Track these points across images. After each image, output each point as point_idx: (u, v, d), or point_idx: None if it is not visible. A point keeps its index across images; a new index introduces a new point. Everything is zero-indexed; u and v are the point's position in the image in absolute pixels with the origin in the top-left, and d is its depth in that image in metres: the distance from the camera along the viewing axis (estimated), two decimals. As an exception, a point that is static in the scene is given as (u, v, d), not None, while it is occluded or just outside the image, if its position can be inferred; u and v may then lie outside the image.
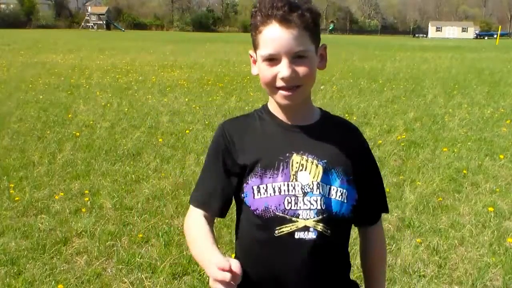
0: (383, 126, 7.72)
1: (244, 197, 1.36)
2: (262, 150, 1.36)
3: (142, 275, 3.22)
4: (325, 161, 1.35)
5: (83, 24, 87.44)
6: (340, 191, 1.36)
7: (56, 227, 3.90)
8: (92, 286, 3.12)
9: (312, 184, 1.33)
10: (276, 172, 1.33)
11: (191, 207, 1.44)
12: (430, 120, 8.27)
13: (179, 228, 3.91)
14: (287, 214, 1.32)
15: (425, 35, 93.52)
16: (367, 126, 7.72)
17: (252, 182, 1.34)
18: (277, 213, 1.32)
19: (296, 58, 1.29)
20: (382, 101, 10.13)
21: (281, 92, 1.32)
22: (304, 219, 1.32)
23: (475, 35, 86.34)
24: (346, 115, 8.51)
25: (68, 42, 33.14)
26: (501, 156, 6.06)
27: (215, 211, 1.41)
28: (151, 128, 7.35)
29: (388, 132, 7.38)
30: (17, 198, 4.42)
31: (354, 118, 8.31)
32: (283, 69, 1.28)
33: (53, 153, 5.91)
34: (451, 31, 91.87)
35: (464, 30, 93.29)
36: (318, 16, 1.36)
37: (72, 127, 7.35)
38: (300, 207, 1.32)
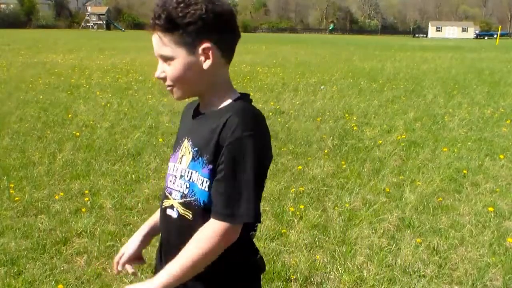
0: (383, 126, 7.72)
1: None
2: (179, 132, 1.56)
3: (142, 275, 3.22)
4: (196, 149, 1.43)
5: (83, 24, 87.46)
6: (201, 179, 1.40)
7: (56, 227, 3.90)
8: (92, 286, 3.12)
9: (186, 169, 1.45)
10: (174, 153, 1.51)
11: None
12: (430, 120, 8.27)
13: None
14: (166, 191, 1.52)
15: (425, 35, 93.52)
16: (367, 126, 7.72)
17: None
18: (164, 189, 1.54)
19: (166, 60, 1.42)
20: (382, 101, 10.13)
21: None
22: (174, 199, 1.48)
23: (475, 35, 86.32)
24: (346, 115, 8.52)
25: (68, 42, 33.14)
26: (501, 156, 6.06)
27: None
28: (151, 128, 7.35)
29: (388, 132, 7.38)
30: (17, 198, 4.42)
31: (354, 118, 8.31)
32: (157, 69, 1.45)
33: (53, 153, 5.91)
34: (451, 31, 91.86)
35: (464, 30, 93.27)
36: (183, 22, 1.34)
37: (72, 127, 7.35)
38: (174, 188, 1.48)
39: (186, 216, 1.44)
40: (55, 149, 6.10)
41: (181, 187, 1.45)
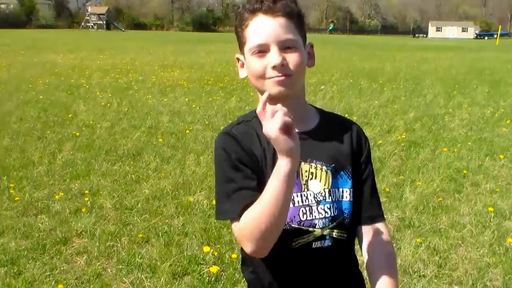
0: (383, 126, 7.72)
1: None
2: (267, 160, 1.31)
3: (142, 275, 3.22)
4: (333, 165, 1.34)
5: (83, 24, 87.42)
6: (347, 191, 1.36)
7: (56, 227, 3.90)
8: (92, 286, 3.12)
9: (324, 191, 1.33)
10: None
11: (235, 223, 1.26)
12: (430, 120, 8.27)
13: (179, 228, 3.92)
14: (303, 226, 1.30)
15: (425, 35, 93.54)
16: (367, 126, 7.71)
17: None
18: (293, 225, 1.30)
19: (285, 48, 1.27)
20: (382, 101, 10.13)
21: (273, 80, 1.28)
22: (320, 228, 1.31)
23: (475, 35, 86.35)
24: (346, 115, 8.51)
25: (68, 42, 33.14)
26: (501, 156, 6.06)
27: None
28: (151, 128, 7.35)
29: (388, 132, 7.38)
30: (17, 198, 4.42)
31: (354, 118, 8.30)
32: (273, 57, 1.26)
33: (53, 153, 5.91)
34: (451, 31, 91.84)
35: (464, 30, 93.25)
36: (302, 11, 1.34)
37: (72, 127, 7.35)
38: (315, 216, 1.31)
39: (341, 237, 1.34)
40: (55, 149, 6.10)
41: (325, 211, 1.32)
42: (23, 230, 3.83)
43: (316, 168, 1.33)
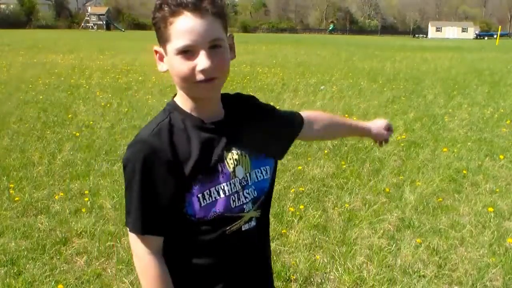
0: (383, 126, 7.71)
1: (186, 208, 1.29)
2: (194, 155, 1.28)
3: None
4: (248, 148, 1.38)
5: (83, 24, 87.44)
6: (268, 167, 1.43)
7: (56, 227, 3.90)
8: (92, 286, 3.12)
9: (246, 175, 1.37)
10: (216, 174, 1.31)
11: (136, 238, 1.30)
12: (430, 120, 8.27)
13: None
14: (234, 213, 1.34)
15: (425, 35, 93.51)
16: (367, 126, 7.71)
17: (195, 190, 1.28)
18: (226, 214, 1.33)
19: (211, 48, 1.23)
20: (382, 102, 10.13)
21: (202, 84, 1.25)
22: (247, 212, 1.37)
23: (475, 35, 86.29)
24: (346, 115, 8.52)
25: (68, 42, 33.14)
26: (501, 157, 6.06)
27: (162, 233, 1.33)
28: (151, 128, 7.34)
29: (388, 132, 7.37)
30: (17, 198, 4.42)
31: (354, 118, 8.31)
32: (202, 60, 1.22)
33: (53, 153, 5.91)
34: (451, 31, 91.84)
35: (464, 30, 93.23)
36: (225, 5, 1.31)
37: (72, 127, 7.35)
38: (242, 201, 1.35)
39: (260, 216, 1.41)
40: (55, 149, 6.10)
41: (249, 194, 1.37)
42: (23, 230, 3.83)
43: (237, 154, 1.35)
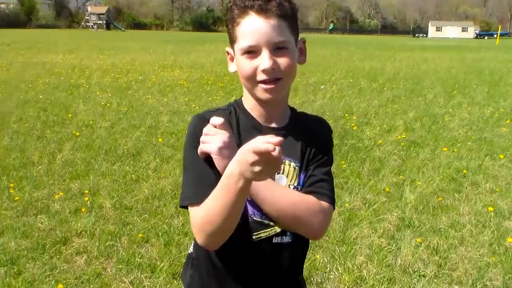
0: (383, 126, 7.71)
1: None
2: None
3: (142, 275, 3.22)
4: (300, 163, 1.34)
5: (83, 24, 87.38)
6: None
7: (56, 227, 3.90)
8: (92, 286, 3.12)
9: (289, 187, 1.32)
10: None
11: (193, 209, 1.25)
12: (430, 120, 8.27)
13: (179, 228, 3.91)
14: (265, 219, 1.29)
15: (425, 35, 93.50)
16: (367, 126, 7.72)
17: None
18: (254, 218, 1.29)
19: (276, 49, 1.25)
20: (382, 101, 10.13)
21: (262, 85, 1.27)
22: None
23: (475, 35, 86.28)
24: (346, 114, 8.52)
25: (68, 42, 33.12)
26: (501, 156, 6.06)
27: None
28: (151, 128, 7.35)
29: (388, 132, 7.38)
30: (17, 198, 4.42)
31: (354, 118, 8.31)
32: (264, 60, 1.24)
33: (53, 153, 5.91)
34: (451, 31, 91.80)
35: (464, 30, 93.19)
36: (296, 7, 1.31)
37: (72, 127, 7.35)
38: None
39: (297, 239, 1.34)
40: (54, 149, 6.09)
41: None
42: (23, 230, 3.83)
43: (285, 163, 1.31)
